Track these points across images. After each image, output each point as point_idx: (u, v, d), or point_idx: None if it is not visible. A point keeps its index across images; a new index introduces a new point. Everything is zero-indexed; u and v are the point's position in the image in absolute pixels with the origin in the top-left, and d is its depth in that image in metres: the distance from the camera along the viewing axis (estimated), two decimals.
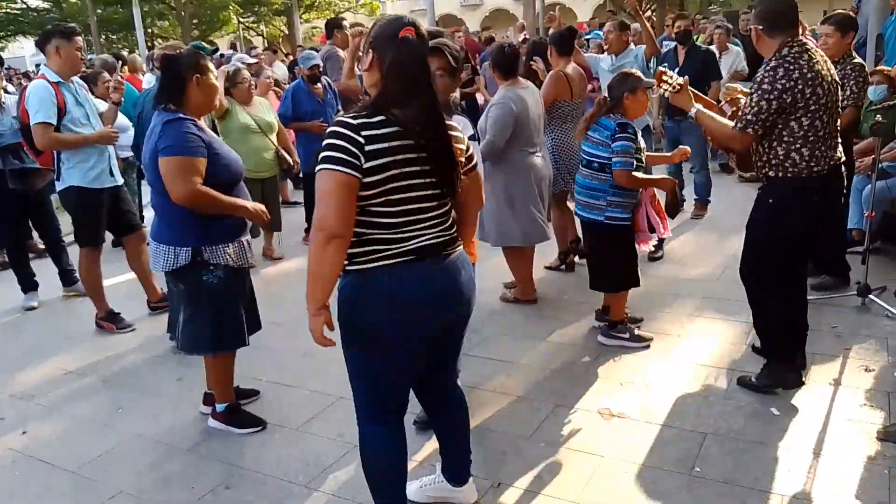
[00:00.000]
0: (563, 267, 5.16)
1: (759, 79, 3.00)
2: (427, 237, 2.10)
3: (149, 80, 7.39)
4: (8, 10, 25.45)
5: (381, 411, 2.27)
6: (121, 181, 4.64)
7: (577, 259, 5.12)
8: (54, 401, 3.70)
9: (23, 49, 34.58)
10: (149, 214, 5.96)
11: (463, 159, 2.18)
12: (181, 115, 2.93)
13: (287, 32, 27.03)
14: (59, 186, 4.44)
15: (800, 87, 2.91)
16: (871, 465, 2.71)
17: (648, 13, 18.79)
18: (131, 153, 6.09)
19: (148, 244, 4.17)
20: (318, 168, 1.96)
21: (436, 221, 2.12)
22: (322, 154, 1.96)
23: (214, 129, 5.15)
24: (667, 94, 3.37)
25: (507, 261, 4.60)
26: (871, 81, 4.61)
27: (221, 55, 9.76)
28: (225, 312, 3.06)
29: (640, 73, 3.84)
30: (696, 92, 3.45)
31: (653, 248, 5.14)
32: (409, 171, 2.02)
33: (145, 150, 3.02)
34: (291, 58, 13.82)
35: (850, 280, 4.41)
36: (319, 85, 6.03)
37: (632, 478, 2.73)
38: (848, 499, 2.55)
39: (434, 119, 2.06)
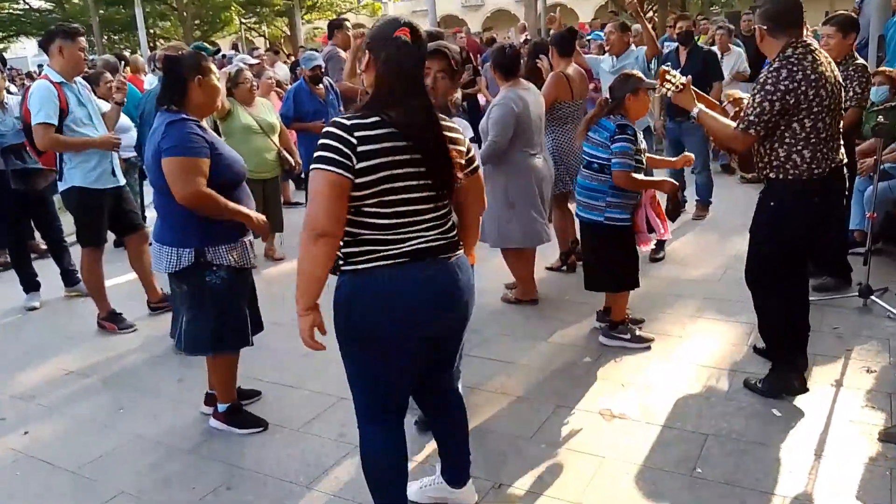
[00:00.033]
0: (564, 268, 5.16)
1: (762, 79, 2.98)
2: (423, 239, 2.09)
3: (150, 81, 7.40)
4: (10, 11, 25.49)
5: (380, 412, 2.26)
6: (123, 181, 4.64)
7: (577, 260, 5.12)
8: (55, 401, 3.70)
9: (25, 49, 34.68)
10: (151, 215, 5.98)
11: (462, 161, 2.16)
12: (184, 116, 2.94)
13: (289, 33, 27.06)
14: (61, 187, 4.45)
15: (803, 88, 2.89)
16: (873, 466, 2.71)
17: (650, 14, 18.79)
18: (133, 154, 6.10)
19: (150, 245, 4.20)
20: (311, 167, 1.99)
21: (433, 224, 2.11)
22: (315, 154, 1.99)
23: (216, 130, 5.16)
24: (670, 94, 3.36)
25: (507, 262, 4.60)
26: (873, 82, 4.61)
27: (223, 56, 9.79)
28: (228, 313, 3.06)
29: (641, 75, 3.84)
30: (699, 92, 3.44)
31: (654, 248, 5.15)
32: (404, 172, 2.01)
33: (147, 151, 3.02)
34: (293, 58, 13.84)
35: (851, 281, 4.41)
36: (321, 85, 6.04)
37: (633, 479, 2.73)
38: (849, 500, 2.54)
39: (429, 120, 2.05)
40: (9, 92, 5.50)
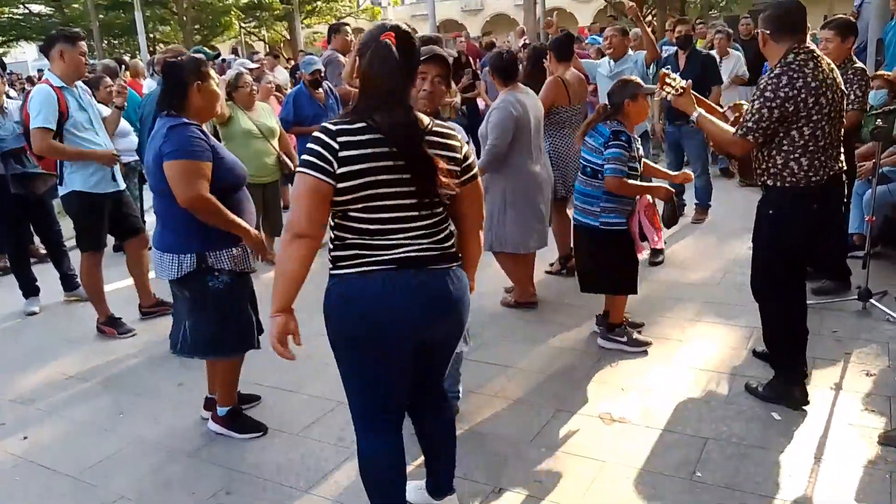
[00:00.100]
0: (563, 271, 5.16)
1: (761, 86, 2.97)
2: (413, 248, 2.06)
3: (149, 85, 7.41)
4: (10, 15, 25.51)
5: (376, 420, 2.25)
6: (123, 186, 4.65)
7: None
8: (55, 405, 3.70)
9: (25, 54, 34.71)
10: (150, 219, 5.98)
11: (458, 168, 2.11)
12: (185, 121, 2.94)
13: (288, 37, 27.08)
14: (61, 191, 4.45)
15: (802, 96, 2.87)
16: (873, 469, 2.71)
17: (648, 18, 18.82)
18: (133, 158, 6.11)
19: (150, 249, 4.21)
20: (296, 170, 2.03)
21: (422, 232, 2.08)
22: (301, 157, 2.02)
23: (216, 135, 5.17)
24: (669, 97, 3.37)
25: (501, 265, 4.60)
26: (872, 86, 4.62)
27: (223, 60, 9.79)
28: (230, 317, 3.06)
29: (639, 80, 3.85)
30: (699, 96, 3.45)
31: (652, 253, 5.16)
32: (389, 178, 1.99)
33: (148, 155, 3.02)
34: (293, 63, 13.86)
35: (850, 284, 4.41)
36: (321, 90, 6.05)
37: (633, 483, 2.73)
38: (849, 503, 2.54)
39: (411, 125, 2.01)
40: (8, 96, 5.50)
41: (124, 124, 5.65)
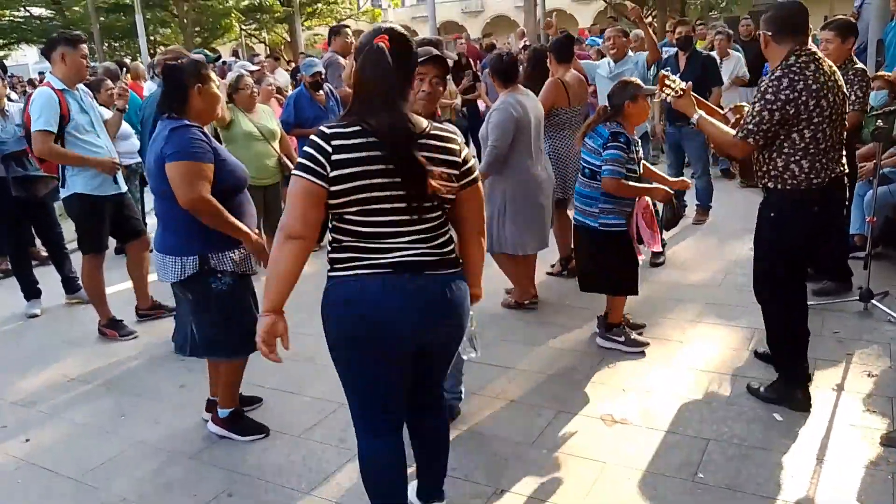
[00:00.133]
0: (564, 273, 5.16)
1: (762, 88, 2.95)
2: (409, 252, 2.05)
3: (149, 88, 7.42)
4: (11, 18, 25.55)
5: (373, 423, 2.25)
6: (125, 188, 4.66)
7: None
8: (56, 407, 3.70)
9: (25, 57, 34.74)
10: (151, 221, 5.98)
11: (457, 171, 2.08)
12: (187, 122, 2.94)
13: (289, 39, 27.11)
14: (63, 193, 4.46)
15: (803, 98, 2.86)
16: (875, 470, 2.71)
17: (649, 19, 18.84)
18: (134, 160, 6.11)
19: (151, 251, 4.21)
20: (292, 171, 2.04)
21: (419, 236, 2.06)
22: (297, 159, 2.03)
23: (217, 138, 5.17)
24: (669, 99, 3.37)
25: (500, 266, 4.60)
26: (872, 87, 4.62)
27: (224, 62, 9.80)
28: (232, 318, 3.06)
29: (640, 81, 3.86)
30: (699, 98, 3.44)
31: (654, 254, 5.16)
32: (383, 182, 1.98)
33: (149, 157, 3.02)
34: (294, 65, 13.86)
35: (852, 285, 4.41)
36: (322, 92, 6.05)
37: (634, 484, 2.73)
38: None
39: (400, 129, 1.98)
40: (9, 99, 5.51)
41: (125, 127, 5.66)
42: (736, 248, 5.50)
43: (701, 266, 5.24)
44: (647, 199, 3.78)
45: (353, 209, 2.00)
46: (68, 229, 5.53)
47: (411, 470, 2.65)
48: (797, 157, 2.96)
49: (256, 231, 3.12)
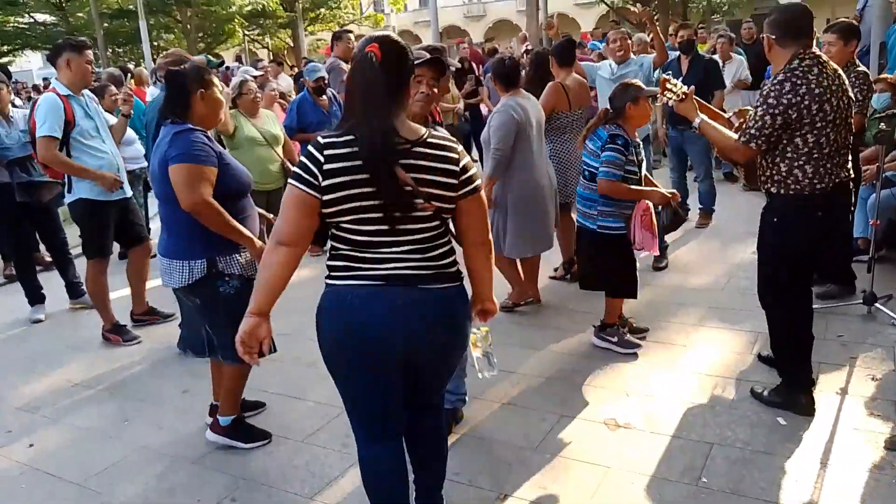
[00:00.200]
0: (567, 276, 5.16)
1: (765, 92, 2.93)
2: (401, 264, 2.02)
3: (152, 93, 7.44)
4: (16, 24, 25.67)
5: (371, 430, 2.24)
6: (130, 193, 4.67)
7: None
8: (60, 412, 3.71)
9: (30, 63, 34.91)
10: (154, 227, 5.99)
11: (455, 181, 2.03)
12: (191, 126, 2.94)
13: (292, 44, 27.19)
14: (68, 198, 4.47)
15: (806, 102, 2.83)
16: (879, 474, 2.70)
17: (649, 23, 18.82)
18: (138, 165, 6.13)
19: (153, 256, 4.19)
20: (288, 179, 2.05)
21: (413, 247, 2.03)
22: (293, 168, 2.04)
23: (220, 142, 5.18)
24: (671, 103, 3.37)
25: (499, 268, 4.59)
26: (875, 90, 4.61)
27: (227, 68, 9.84)
28: (240, 322, 3.02)
29: (641, 83, 3.86)
30: (702, 101, 3.43)
31: (656, 257, 5.15)
32: (373, 191, 1.96)
33: (153, 162, 3.02)
34: (297, 70, 13.90)
35: (855, 288, 4.40)
36: (325, 97, 6.07)
37: (638, 489, 2.72)
38: None
39: (377, 141, 1.93)
40: (14, 105, 5.53)
41: (129, 132, 5.68)
42: (739, 251, 5.49)
43: (704, 270, 5.24)
44: (648, 202, 3.78)
45: (347, 218, 1.99)
46: (72, 234, 5.54)
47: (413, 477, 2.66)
48: (800, 162, 2.93)
49: (259, 241, 3.10)
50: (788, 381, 3.22)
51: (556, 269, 5.25)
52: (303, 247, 2.06)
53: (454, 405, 3.15)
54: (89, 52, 4.43)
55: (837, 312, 4.18)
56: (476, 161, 7.69)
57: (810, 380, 3.24)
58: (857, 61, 4.35)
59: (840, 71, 3.01)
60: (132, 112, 4.93)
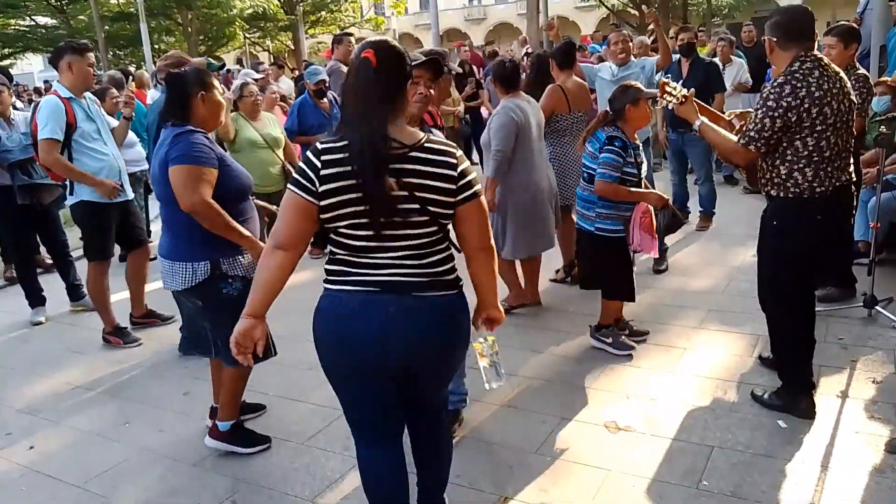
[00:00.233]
0: (567, 279, 5.16)
1: (764, 94, 2.93)
2: (396, 271, 2.01)
3: (152, 96, 7.45)
4: (17, 27, 25.72)
5: (369, 433, 2.25)
6: (132, 195, 4.68)
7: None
8: (61, 415, 3.71)
9: (31, 65, 34.94)
10: (155, 229, 6.00)
11: (453, 186, 2.00)
12: (191, 128, 2.94)
13: (293, 47, 27.23)
14: (70, 200, 4.48)
15: (806, 105, 2.82)
16: (879, 477, 2.70)
17: (652, 25, 18.86)
18: (139, 168, 6.14)
19: (153, 259, 4.20)
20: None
21: (409, 253, 2.02)
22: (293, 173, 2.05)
23: (220, 145, 5.19)
24: (671, 106, 3.36)
25: (498, 270, 4.59)
26: (875, 92, 4.62)
27: (228, 70, 9.85)
28: None
29: (640, 85, 3.87)
30: (703, 104, 3.43)
31: (656, 260, 5.15)
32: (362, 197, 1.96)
33: (154, 164, 3.02)
34: (297, 72, 13.90)
35: (856, 291, 4.40)
36: (325, 99, 6.08)
37: (639, 492, 2.72)
38: None
39: (366, 147, 1.92)
40: (15, 108, 5.54)
41: (130, 134, 5.69)
42: (739, 254, 5.49)
43: (704, 272, 5.24)
44: (647, 204, 3.79)
45: (343, 223, 1.99)
46: (73, 237, 5.55)
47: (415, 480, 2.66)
48: (800, 165, 2.93)
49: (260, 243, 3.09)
50: (789, 384, 3.22)
51: (556, 272, 5.25)
52: (300, 251, 2.07)
53: (455, 406, 3.15)
54: (91, 55, 4.44)
55: (838, 315, 4.18)
56: (476, 164, 7.69)
57: (811, 383, 3.23)
58: (858, 64, 4.35)
59: (842, 74, 3.00)
60: (134, 114, 4.93)
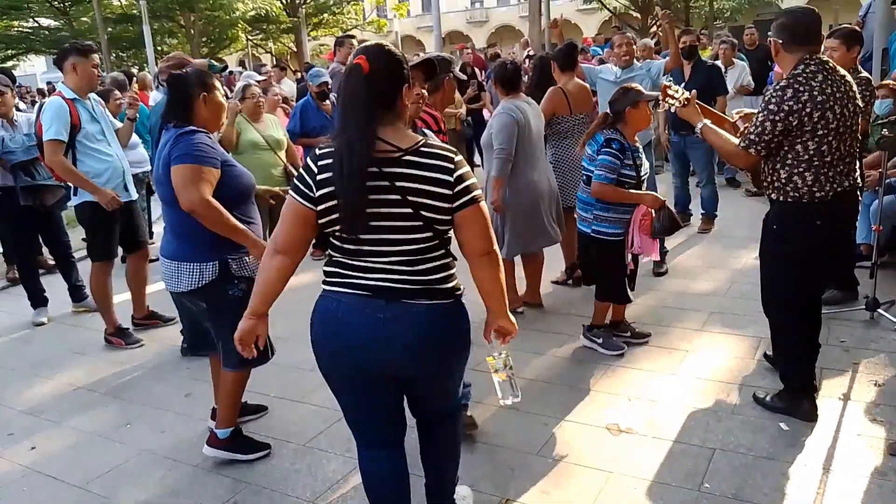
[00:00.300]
0: (569, 282, 5.16)
1: (766, 98, 2.91)
2: (388, 276, 2.00)
3: (154, 98, 7.47)
4: (20, 28, 25.78)
5: (368, 436, 2.25)
6: (135, 196, 4.69)
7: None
8: (62, 416, 3.71)
9: (34, 67, 35.03)
10: (158, 230, 6.01)
11: (449, 192, 1.96)
12: (194, 128, 2.93)
13: (295, 49, 27.28)
14: (74, 201, 4.49)
15: (807, 110, 2.80)
16: (881, 480, 2.69)
17: (654, 28, 18.87)
18: (141, 169, 6.15)
19: (154, 261, 4.20)
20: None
21: (401, 258, 1.99)
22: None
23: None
24: (673, 109, 3.36)
25: None
26: (878, 95, 4.62)
27: (230, 72, 9.87)
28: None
29: (640, 87, 3.87)
30: (706, 106, 3.42)
31: (656, 263, 5.15)
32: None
33: (157, 166, 3.01)
34: (300, 74, 13.93)
35: (858, 294, 4.40)
36: (328, 102, 6.09)
37: (640, 494, 2.72)
38: None
39: (348, 152, 1.91)
40: (18, 109, 5.56)
41: (133, 136, 5.70)
42: (741, 256, 5.49)
43: (706, 275, 5.23)
44: (648, 207, 3.79)
45: (338, 227, 2.00)
46: (75, 237, 5.57)
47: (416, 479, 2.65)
48: (801, 169, 2.91)
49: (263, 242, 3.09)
50: (791, 387, 3.22)
51: (563, 272, 5.24)
52: (300, 255, 2.10)
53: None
54: (95, 57, 4.46)
55: (840, 318, 4.17)
56: (479, 166, 7.69)
57: (813, 385, 3.23)
58: (860, 67, 4.35)
59: (849, 77, 2.96)
60: (138, 116, 4.94)
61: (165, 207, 3.04)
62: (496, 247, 2.10)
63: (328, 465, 3.05)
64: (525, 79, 6.50)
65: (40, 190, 4.95)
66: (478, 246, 2.05)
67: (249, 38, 28.51)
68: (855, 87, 2.96)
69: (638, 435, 3.13)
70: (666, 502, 2.66)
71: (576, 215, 4.39)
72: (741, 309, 4.41)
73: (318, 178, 1.96)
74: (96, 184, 4.35)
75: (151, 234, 6.26)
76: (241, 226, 2.93)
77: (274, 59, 27.85)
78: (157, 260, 3.27)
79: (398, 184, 1.94)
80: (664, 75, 5.60)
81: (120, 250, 4.78)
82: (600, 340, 3.97)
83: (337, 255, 2.07)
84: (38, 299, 5.25)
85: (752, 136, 2.94)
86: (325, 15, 28.70)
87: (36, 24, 26.25)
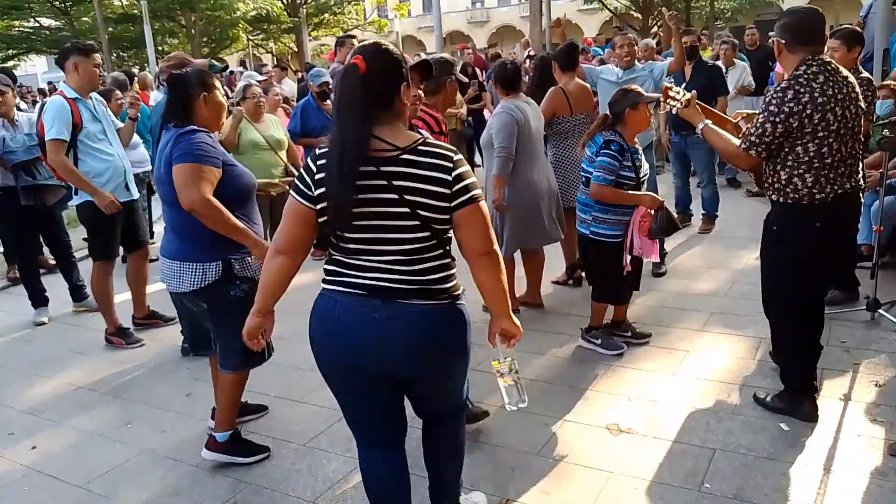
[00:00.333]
0: (570, 282, 5.16)
1: (767, 99, 2.90)
2: (384, 275, 1.99)
3: (155, 98, 7.48)
4: (21, 28, 25.79)
5: (368, 437, 2.25)
6: (136, 195, 4.69)
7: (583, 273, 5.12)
8: (63, 415, 3.71)
9: (35, 66, 35.05)
10: (158, 230, 6.01)
11: (447, 191, 1.94)
12: (195, 127, 2.93)
13: (296, 49, 27.29)
14: (76, 200, 4.49)
15: (808, 111, 2.79)
16: (882, 480, 2.69)
17: (654, 29, 18.88)
18: (142, 169, 6.16)
19: (154, 261, 4.20)
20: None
21: (397, 258, 1.98)
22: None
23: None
24: (674, 111, 3.35)
25: None
26: (878, 96, 4.62)
27: (231, 72, 9.87)
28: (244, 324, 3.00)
29: (640, 89, 3.87)
30: (707, 107, 3.41)
31: (656, 264, 5.15)
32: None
33: (158, 166, 3.01)
34: (301, 74, 13.93)
35: (859, 295, 4.40)
36: (329, 102, 6.09)
37: (640, 494, 2.72)
38: None
39: (339, 157, 1.91)
40: (19, 109, 5.56)
41: (134, 136, 5.70)
42: (742, 256, 5.49)
43: (707, 275, 5.23)
44: (646, 209, 3.79)
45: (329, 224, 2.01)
46: (76, 237, 5.57)
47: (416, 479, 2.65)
48: (801, 171, 2.90)
49: (264, 242, 3.08)
50: (791, 388, 3.21)
51: (563, 272, 5.24)
52: (301, 255, 2.11)
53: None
54: (97, 56, 4.46)
55: (841, 318, 4.17)
56: (479, 166, 7.70)
57: (813, 386, 3.22)
58: (861, 67, 4.35)
59: (852, 79, 2.93)
60: (139, 115, 4.95)
61: (166, 207, 3.04)
62: (496, 247, 2.09)
63: (329, 465, 3.05)
64: (526, 79, 6.51)
65: (41, 190, 4.96)
66: (477, 245, 2.03)
67: (250, 38, 28.52)
68: (858, 89, 2.94)
69: (638, 435, 3.13)
70: (666, 502, 2.66)
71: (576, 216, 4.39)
72: (742, 309, 4.41)
73: (317, 177, 1.97)
74: (97, 183, 4.35)
75: (152, 233, 6.26)
76: (241, 225, 2.92)
77: (275, 59, 27.86)
78: (157, 260, 3.27)
79: (395, 183, 1.93)
80: (667, 77, 5.59)
81: (120, 250, 4.79)
82: (599, 341, 3.98)
83: (336, 254, 2.08)
84: (38, 299, 5.25)
85: (753, 138, 2.93)
86: (326, 15, 28.72)
87: (37, 24, 26.27)
